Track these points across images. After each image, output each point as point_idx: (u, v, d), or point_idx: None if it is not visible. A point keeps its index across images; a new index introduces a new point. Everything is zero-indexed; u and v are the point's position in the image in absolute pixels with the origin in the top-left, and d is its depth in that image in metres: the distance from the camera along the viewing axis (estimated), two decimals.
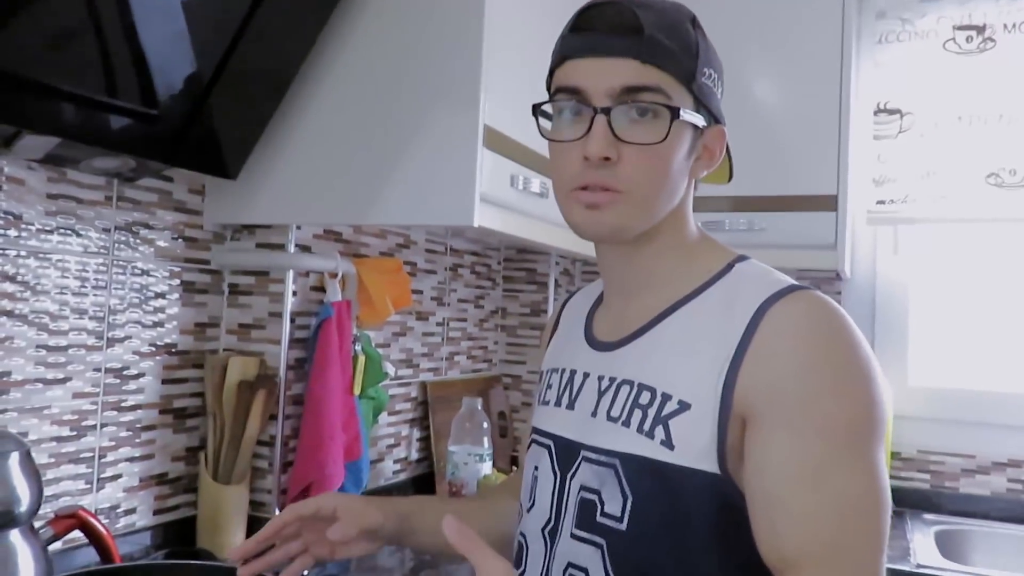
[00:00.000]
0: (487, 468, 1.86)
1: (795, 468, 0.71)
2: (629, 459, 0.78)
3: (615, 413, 0.81)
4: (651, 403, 0.78)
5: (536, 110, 0.85)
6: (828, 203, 1.90)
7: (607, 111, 0.77)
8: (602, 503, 0.79)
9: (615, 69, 0.77)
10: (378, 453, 1.87)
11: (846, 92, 1.90)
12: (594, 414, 0.83)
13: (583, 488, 0.81)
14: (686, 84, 0.79)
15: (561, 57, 0.82)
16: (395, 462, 1.93)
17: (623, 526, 0.77)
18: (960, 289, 2.18)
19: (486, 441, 1.87)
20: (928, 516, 2.02)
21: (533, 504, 0.88)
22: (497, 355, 2.40)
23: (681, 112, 0.78)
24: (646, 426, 0.77)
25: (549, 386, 0.93)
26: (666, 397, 0.77)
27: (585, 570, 0.79)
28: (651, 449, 0.76)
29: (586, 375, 0.87)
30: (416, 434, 2.01)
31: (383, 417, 1.85)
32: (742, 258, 0.85)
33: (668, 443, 0.76)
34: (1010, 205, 2.04)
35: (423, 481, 2.01)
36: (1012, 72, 2.06)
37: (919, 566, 1.61)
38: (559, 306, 1.04)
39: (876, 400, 0.74)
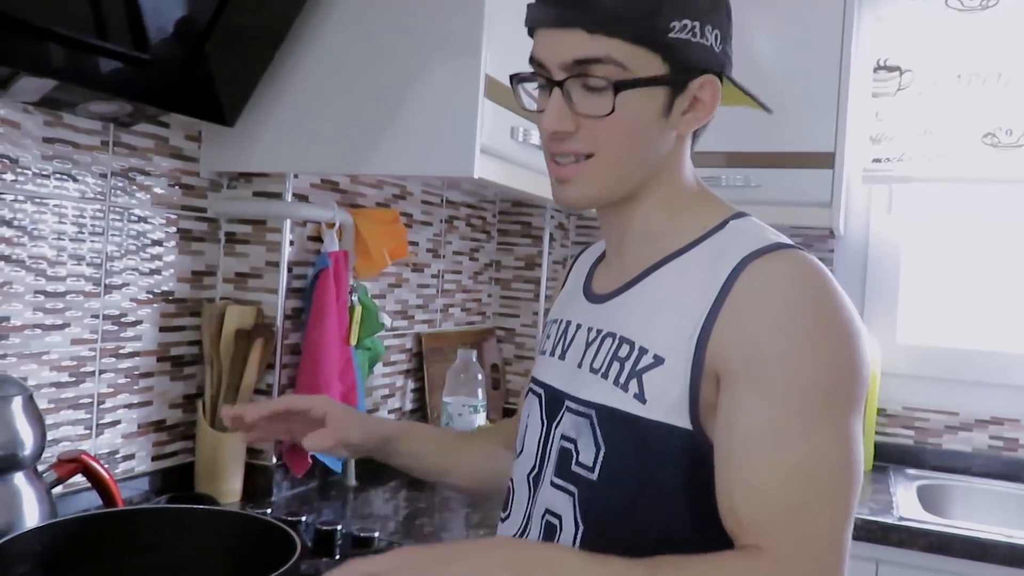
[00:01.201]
0: (481, 419, 1.88)
1: (758, 429, 0.69)
2: (604, 411, 0.78)
3: (596, 365, 0.81)
4: (628, 356, 0.78)
5: (512, 80, 0.85)
6: (825, 160, 1.90)
7: (561, 84, 0.77)
8: (577, 452, 0.80)
9: (565, 41, 0.76)
10: (373, 403, 1.88)
11: (847, 48, 1.89)
12: (580, 365, 0.84)
13: (563, 437, 0.82)
14: (647, 45, 0.75)
15: (528, 28, 0.82)
16: (390, 412, 1.95)
17: (594, 476, 0.78)
18: (951, 249, 2.20)
19: (480, 392, 1.89)
20: (911, 471, 2.07)
21: (522, 451, 0.90)
22: (491, 308, 2.41)
23: (626, 83, 0.75)
24: (622, 379, 0.78)
25: (547, 336, 0.95)
26: (643, 351, 0.77)
27: (559, 517, 0.81)
28: (624, 402, 0.77)
29: (578, 327, 0.88)
30: (410, 385, 2.02)
31: (378, 368, 1.86)
32: (740, 215, 0.83)
33: (640, 397, 0.76)
34: (1005, 165, 2.05)
35: None
36: (1012, 31, 2.05)
37: (901, 519, 1.66)
38: (571, 261, 1.04)
39: (855, 364, 0.71)
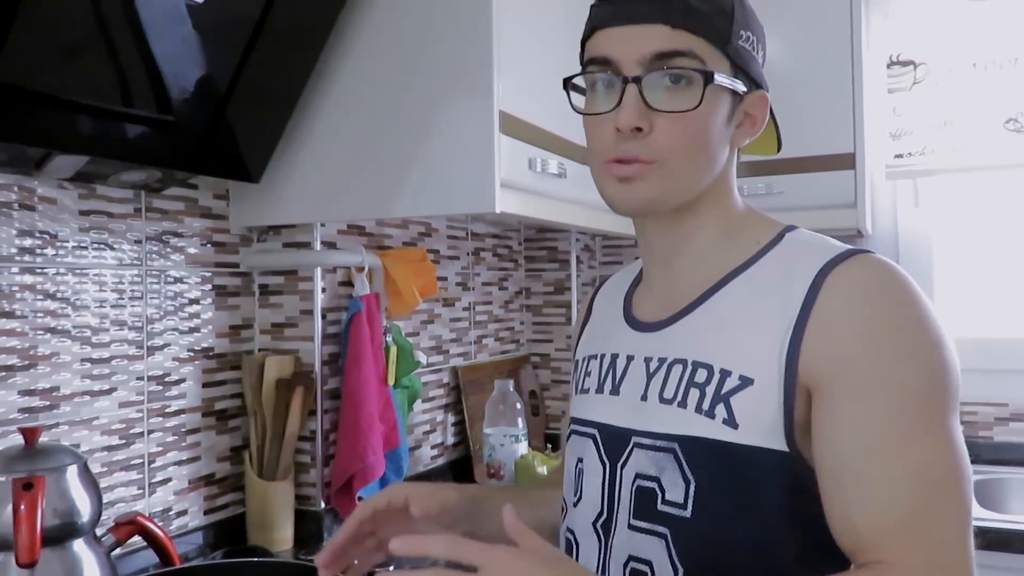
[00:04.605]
0: (523, 448, 1.89)
1: (869, 439, 0.67)
2: (688, 441, 0.74)
3: (668, 395, 0.77)
4: (709, 381, 0.74)
5: (567, 84, 0.81)
6: (846, 161, 1.90)
7: (638, 80, 0.74)
8: (663, 490, 0.75)
9: (645, 36, 0.74)
10: (415, 440, 1.90)
11: (857, 47, 1.89)
12: (644, 398, 0.79)
13: (639, 476, 0.77)
14: (721, 47, 0.75)
15: (591, 28, 0.79)
16: (432, 448, 1.97)
17: (687, 512, 0.73)
18: (983, 237, 2.17)
19: (520, 421, 1.90)
20: None
21: (580, 498, 0.84)
22: (524, 335, 2.42)
23: (716, 76, 0.74)
24: (705, 405, 0.74)
25: (588, 373, 0.89)
26: (725, 373, 0.73)
27: (649, 563, 0.75)
28: (712, 429, 0.73)
29: (630, 358, 0.83)
30: (451, 419, 2.04)
31: (418, 405, 1.88)
32: (791, 227, 0.81)
33: (731, 421, 0.72)
34: None
35: (460, 465, 2.04)
36: None
37: None
38: (591, 293, 1.01)
39: (950, 365, 0.70)
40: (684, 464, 0.74)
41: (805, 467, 0.71)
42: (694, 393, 0.75)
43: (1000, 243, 2.15)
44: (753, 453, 0.71)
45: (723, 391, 0.73)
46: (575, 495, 0.85)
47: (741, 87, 0.78)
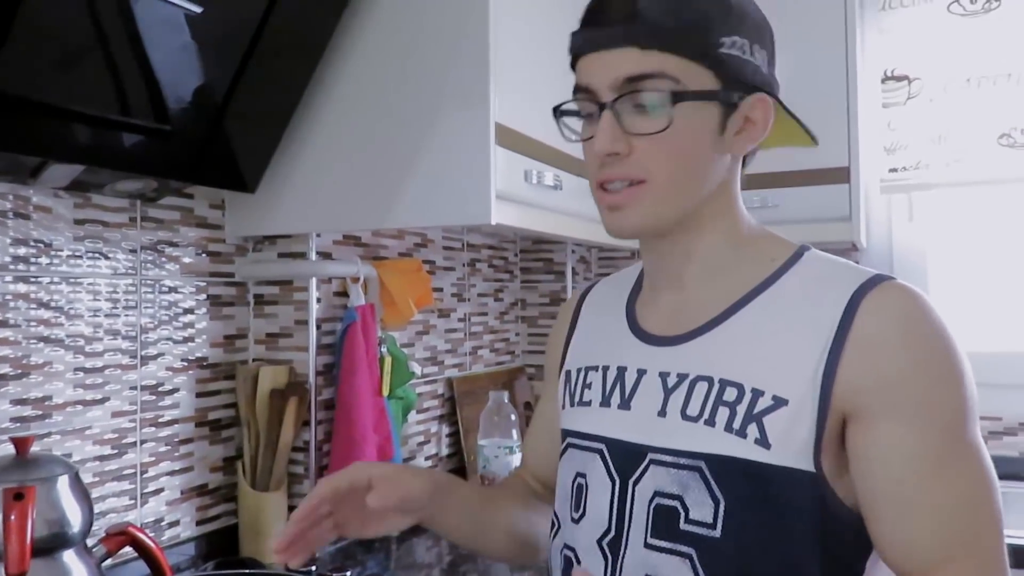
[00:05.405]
0: (517, 460, 1.88)
1: (919, 463, 0.70)
2: (718, 460, 0.73)
3: (693, 411, 0.76)
4: (739, 400, 0.74)
5: (556, 113, 0.83)
6: (840, 175, 1.90)
7: (611, 106, 0.75)
8: (686, 509, 0.74)
9: (616, 61, 0.75)
10: (409, 451, 1.89)
11: (852, 62, 1.90)
12: (663, 413, 0.78)
13: (658, 494, 0.76)
14: (700, 61, 0.74)
15: (572, 56, 0.80)
16: (426, 459, 1.96)
17: (716, 532, 0.72)
18: (977, 252, 2.18)
19: (514, 433, 1.89)
20: None
21: (584, 514, 0.82)
22: (519, 346, 2.42)
23: (685, 96, 0.74)
24: (736, 424, 0.73)
25: (587, 386, 0.86)
26: (757, 393, 0.73)
27: None
28: (743, 449, 0.72)
29: (641, 371, 0.81)
30: (445, 430, 2.03)
31: (412, 416, 1.88)
32: (805, 247, 0.82)
33: (763, 442, 0.72)
34: (1023, 165, 2.04)
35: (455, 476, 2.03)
36: (1019, 31, 2.05)
37: None
38: (574, 302, 0.98)
39: (971, 382, 0.73)
40: (712, 483, 0.73)
41: (829, 489, 0.72)
42: (723, 411, 0.74)
43: (994, 257, 2.16)
44: (785, 473, 0.72)
45: (755, 410, 0.73)
46: (577, 511, 0.83)
47: (730, 96, 0.77)
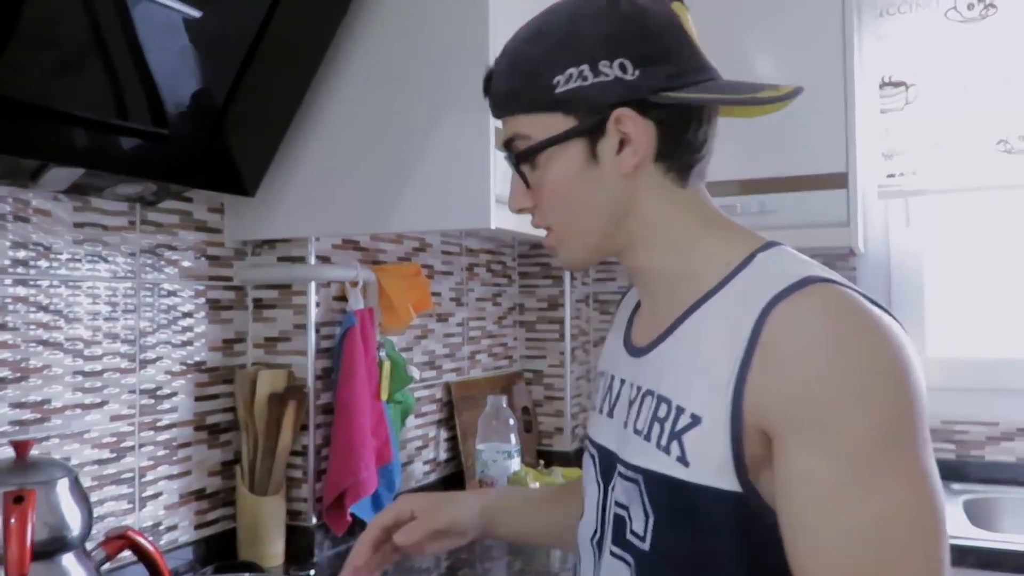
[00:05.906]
0: (515, 464, 1.88)
1: (820, 493, 0.63)
2: (650, 476, 0.74)
3: (640, 426, 0.77)
4: (667, 416, 0.73)
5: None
6: (838, 181, 1.91)
7: (514, 168, 0.82)
8: (630, 520, 0.76)
9: (501, 130, 0.83)
10: (408, 456, 1.89)
11: (850, 68, 1.91)
12: (626, 425, 0.80)
13: (617, 504, 0.79)
14: (541, 110, 0.77)
15: None
16: (425, 463, 1.96)
17: (646, 546, 0.74)
18: (975, 257, 2.18)
19: (513, 438, 1.89)
20: (955, 486, 2.03)
21: (583, 514, 0.87)
22: (517, 351, 2.42)
23: (534, 148, 0.77)
24: (663, 441, 0.73)
25: (597, 390, 0.91)
26: (680, 410, 0.72)
27: None
28: (668, 466, 0.72)
29: (622, 382, 0.84)
30: (443, 434, 2.03)
31: (410, 420, 1.88)
32: (768, 245, 0.76)
33: (683, 459, 0.71)
34: (1020, 171, 2.04)
35: (453, 480, 2.03)
36: (1016, 37, 2.06)
37: (950, 537, 1.62)
38: (621, 305, 0.98)
39: (909, 398, 0.64)
40: (645, 497, 0.75)
41: (761, 507, 0.68)
42: (656, 428, 0.75)
43: (991, 263, 2.17)
44: (704, 492, 0.69)
45: (677, 428, 0.72)
46: (583, 510, 0.88)
47: (585, 126, 0.76)
